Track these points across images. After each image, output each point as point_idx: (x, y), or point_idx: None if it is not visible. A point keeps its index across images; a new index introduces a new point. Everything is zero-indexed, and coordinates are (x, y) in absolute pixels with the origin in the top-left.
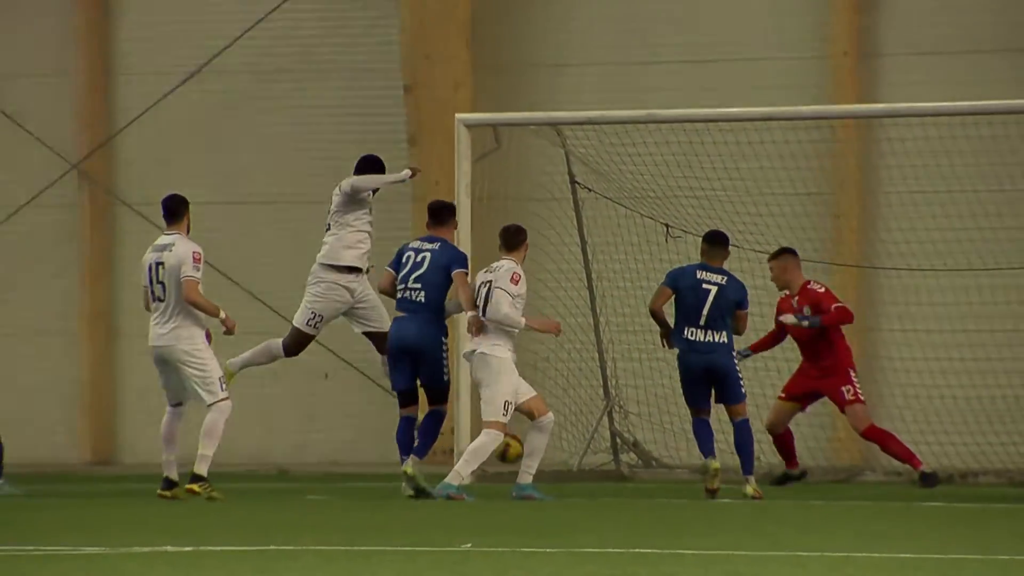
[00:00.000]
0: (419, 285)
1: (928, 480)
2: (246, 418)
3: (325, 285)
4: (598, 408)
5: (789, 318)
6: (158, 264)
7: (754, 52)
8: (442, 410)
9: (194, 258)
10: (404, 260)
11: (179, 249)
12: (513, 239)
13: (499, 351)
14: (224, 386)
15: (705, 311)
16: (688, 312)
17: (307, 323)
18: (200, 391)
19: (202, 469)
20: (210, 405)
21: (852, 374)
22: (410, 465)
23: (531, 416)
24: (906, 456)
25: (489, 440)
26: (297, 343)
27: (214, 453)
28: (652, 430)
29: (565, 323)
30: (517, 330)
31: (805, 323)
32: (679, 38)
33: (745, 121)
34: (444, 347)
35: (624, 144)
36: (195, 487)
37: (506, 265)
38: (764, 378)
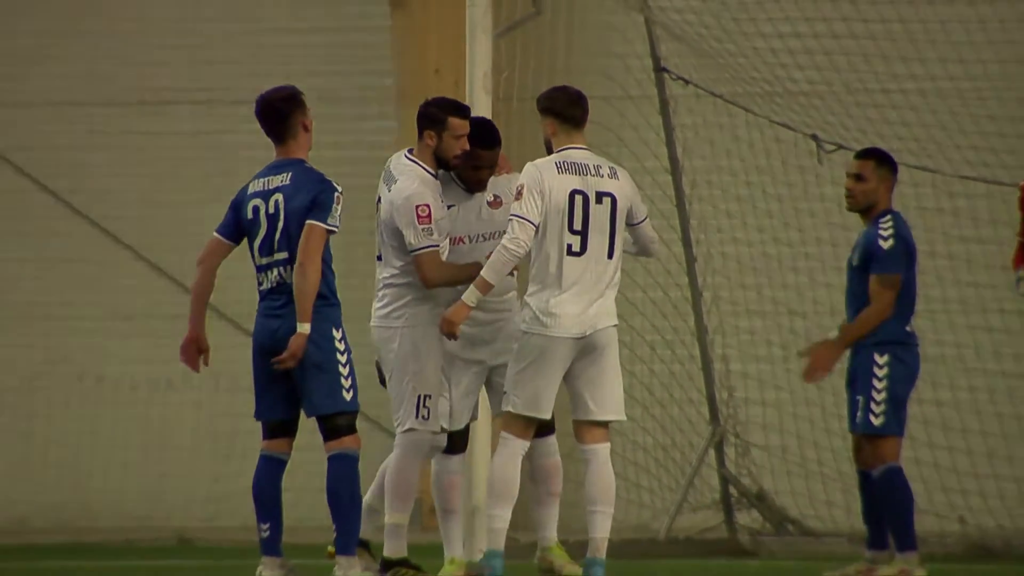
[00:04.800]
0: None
1: None
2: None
3: None
4: (700, 440)
5: None
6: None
7: None
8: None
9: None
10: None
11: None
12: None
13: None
14: None
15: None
16: (913, 292)
17: None
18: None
19: None
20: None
21: None
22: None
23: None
24: None
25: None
26: None
27: None
28: (788, 475)
29: (645, 297)
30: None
31: None
32: None
33: None
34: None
35: (746, 8)
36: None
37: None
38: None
